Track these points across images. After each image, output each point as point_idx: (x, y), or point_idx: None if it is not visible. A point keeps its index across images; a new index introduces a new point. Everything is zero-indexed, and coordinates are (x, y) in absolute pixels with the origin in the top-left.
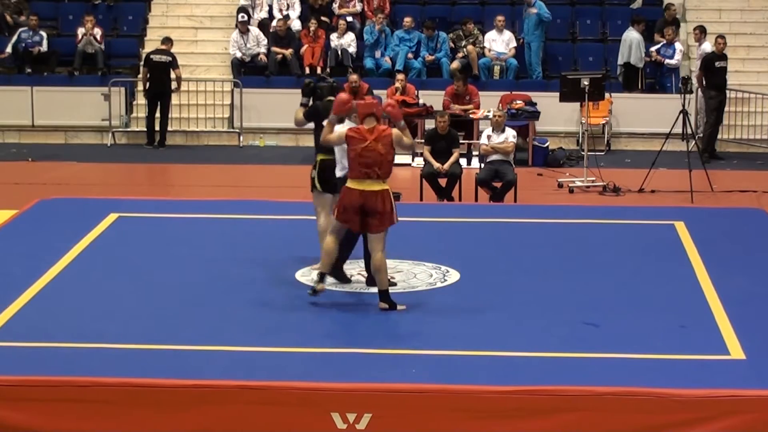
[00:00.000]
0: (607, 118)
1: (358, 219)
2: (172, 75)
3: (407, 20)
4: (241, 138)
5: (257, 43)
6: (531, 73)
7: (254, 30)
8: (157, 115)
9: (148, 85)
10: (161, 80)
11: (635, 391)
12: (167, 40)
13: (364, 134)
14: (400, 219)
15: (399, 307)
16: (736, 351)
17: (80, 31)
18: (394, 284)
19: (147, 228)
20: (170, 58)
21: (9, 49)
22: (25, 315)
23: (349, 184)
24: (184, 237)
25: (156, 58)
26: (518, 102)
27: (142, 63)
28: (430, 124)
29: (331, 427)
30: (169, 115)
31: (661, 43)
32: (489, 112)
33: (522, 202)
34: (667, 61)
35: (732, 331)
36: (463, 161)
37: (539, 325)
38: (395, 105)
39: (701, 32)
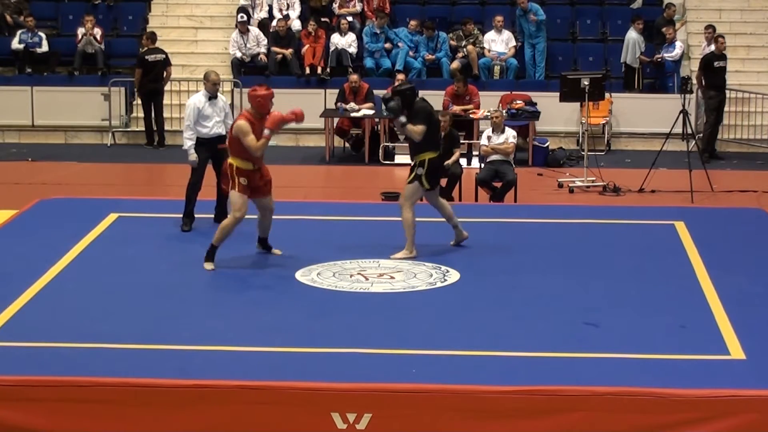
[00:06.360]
0: (607, 118)
1: None
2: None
3: (413, 23)
4: None
5: (257, 43)
6: (535, 72)
7: (254, 30)
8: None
9: (141, 84)
10: (156, 79)
11: (635, 391)
12: (153, 35)
13: None
14: (399, 219)
15: (207, 265)
16: (736, 351)
17: (80, 31)
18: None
19: (147, 228)
20: (164, 56)
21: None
22: (25, 315)
23: None
24: (183, 237)
25: (152, 58)
26: (518, 102)
27: (135, 64)
28: None
29: (331, 427)
30: (166, 115)
31: (663, 45)
32: (489, 112)
33: (522, 202)
34: (667, 55)
35: (732, 331)
36: (463, 161)
37: (539, 325)
38: (276, 120)
39: (713, 31)
